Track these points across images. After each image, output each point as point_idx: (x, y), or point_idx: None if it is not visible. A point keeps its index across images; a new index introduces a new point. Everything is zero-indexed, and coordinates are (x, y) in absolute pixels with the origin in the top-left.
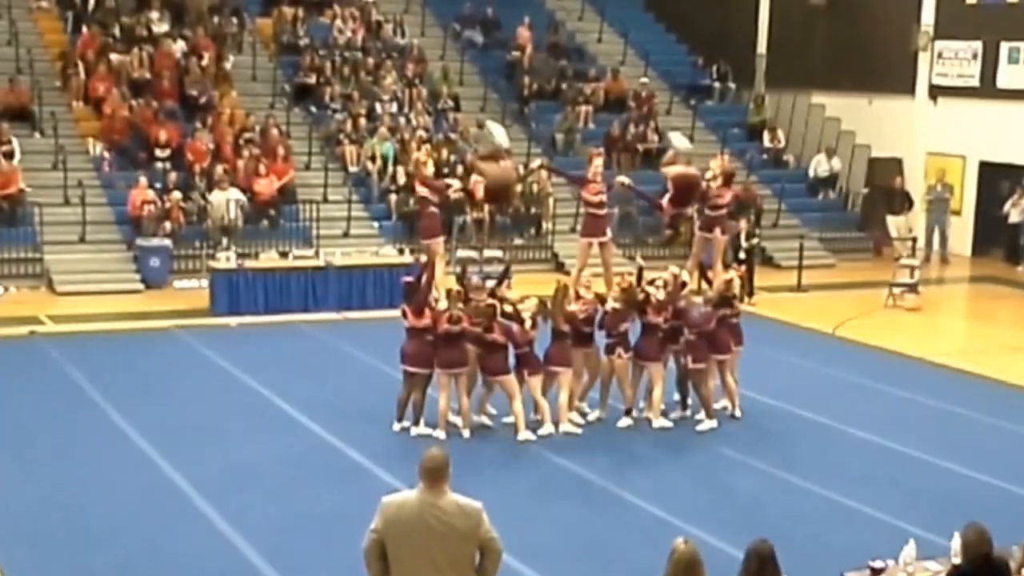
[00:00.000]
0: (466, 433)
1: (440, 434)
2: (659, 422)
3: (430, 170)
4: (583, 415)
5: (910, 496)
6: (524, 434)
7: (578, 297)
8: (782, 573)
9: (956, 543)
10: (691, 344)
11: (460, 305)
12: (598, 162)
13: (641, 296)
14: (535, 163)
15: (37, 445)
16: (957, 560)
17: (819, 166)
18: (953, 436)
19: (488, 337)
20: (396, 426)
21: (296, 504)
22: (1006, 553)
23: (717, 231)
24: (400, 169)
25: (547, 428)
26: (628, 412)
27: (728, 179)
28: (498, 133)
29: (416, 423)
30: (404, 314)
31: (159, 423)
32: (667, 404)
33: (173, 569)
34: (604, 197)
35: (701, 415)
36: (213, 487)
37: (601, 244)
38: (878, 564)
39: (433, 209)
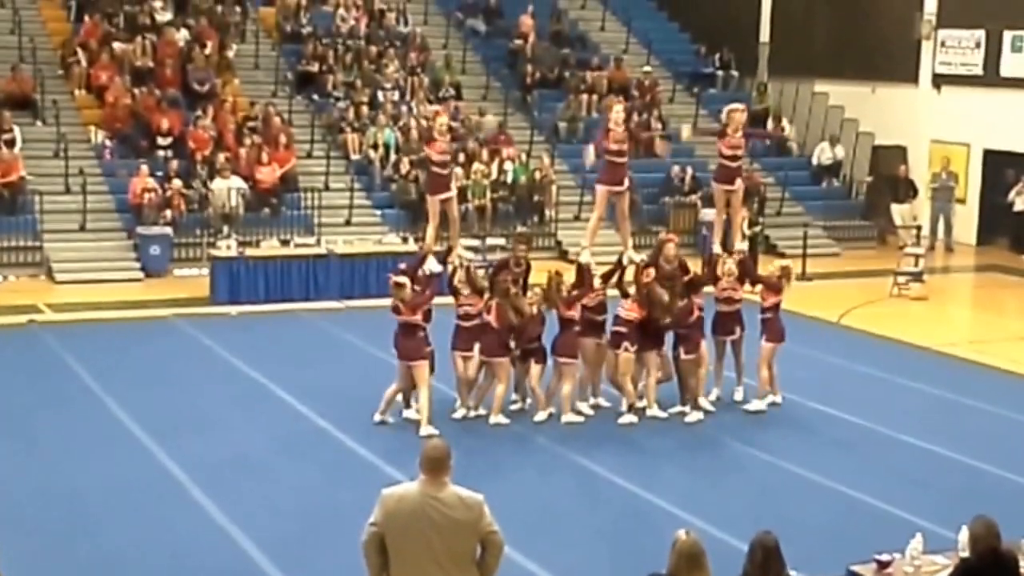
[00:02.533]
0: (423, 430)
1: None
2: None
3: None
4: (597, 407)
5: (917, 488)
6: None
7: (584, 283)
8: (787, 565)
9: (964, 536)
10: (682, 336)
11: (403, 296)
12: (618, 108)
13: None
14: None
15: (35, 434)
16: (965, 553)
17: (822, 154)
18: (960, 426)
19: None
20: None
21: (294, 494)
22: (1014, 546)
23: (738, 182)
24: (405, 159)
25: (540, 415)
26: (631, 408)
27: (747, 136)
28: None
29: (407, 406)
30: None
31: (157, 413)
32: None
33: (168, 559)
34: (624, 146)
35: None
36: (210, 477)
37: (618, 193)
38: (885, 557)
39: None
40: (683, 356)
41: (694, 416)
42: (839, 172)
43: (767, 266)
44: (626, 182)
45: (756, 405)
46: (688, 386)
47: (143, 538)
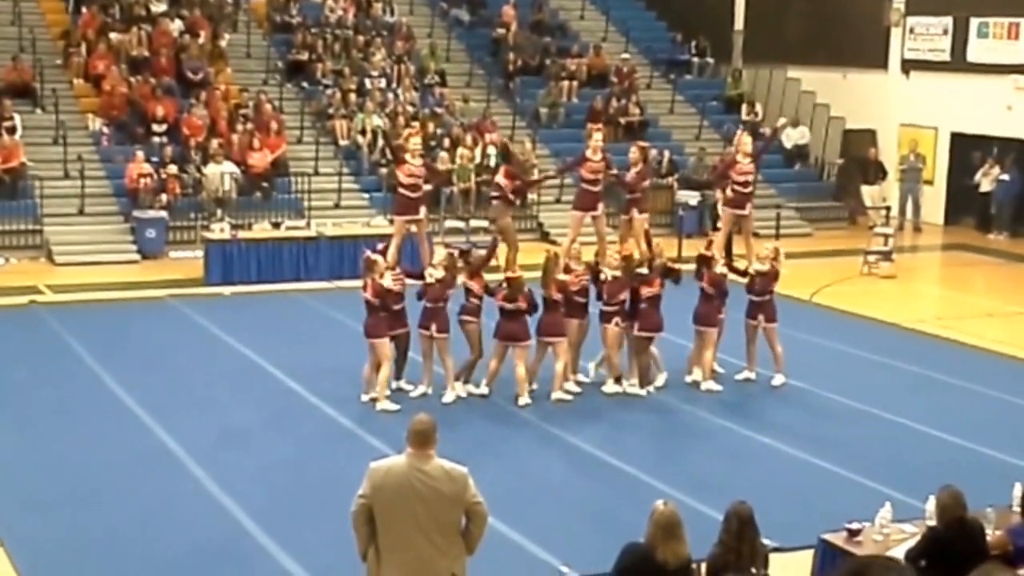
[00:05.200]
0: (365, 397)
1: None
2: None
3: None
4: (579, 384)
5: (886, 459)
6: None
7: (569, 270)
8: (760, 534)
9: (931, 505)
10: (642, 312)
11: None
12: (597, 136)
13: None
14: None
15: (35, 411)
16: (932, 522)
17: (788, 138)
18: (928, 400)
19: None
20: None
21: (286, 467)
22: (980, 515)
23: (748, 207)
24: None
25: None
26: (617, 380)
27: (755, 157)
28: None
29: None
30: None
31: (154, 389)
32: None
33: (166, 532)
34: (601, 175)
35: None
36: (205, 452)
37: (594, 217)
38: (855, 525)
39: (403, 191)
40: (636, 332)
41: (635, 390)
42: (811, 155)
43: (761, 247)
44: (600, 207)
45: (779, 380)
46: (640, 363)
47: (141, 510)
